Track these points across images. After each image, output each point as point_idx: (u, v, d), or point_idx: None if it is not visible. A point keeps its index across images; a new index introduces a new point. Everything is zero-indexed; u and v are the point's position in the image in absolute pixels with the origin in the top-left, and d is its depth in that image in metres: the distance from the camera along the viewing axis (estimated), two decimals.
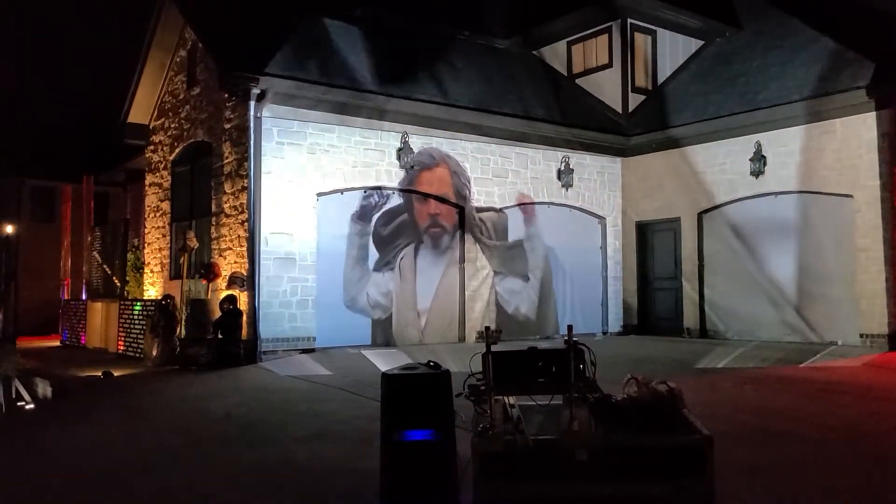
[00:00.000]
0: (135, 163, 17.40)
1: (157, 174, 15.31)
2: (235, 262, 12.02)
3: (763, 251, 13.76)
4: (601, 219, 15.98)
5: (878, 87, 12.09)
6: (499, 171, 14.44)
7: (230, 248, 12.21)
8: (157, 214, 15.16)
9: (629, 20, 16.20)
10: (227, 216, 12.33)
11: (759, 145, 13.73)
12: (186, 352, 11.83)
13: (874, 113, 12.23)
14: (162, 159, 15.12)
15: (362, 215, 12.97)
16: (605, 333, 15.63)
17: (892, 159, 12.09)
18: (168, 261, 14.52)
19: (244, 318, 11.58)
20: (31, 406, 8.21)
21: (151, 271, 15.15)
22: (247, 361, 11.16)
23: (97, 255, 16.94)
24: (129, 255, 15.78)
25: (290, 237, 12.05)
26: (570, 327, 4.54)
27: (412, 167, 13.35)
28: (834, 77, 12.88)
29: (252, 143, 11.74)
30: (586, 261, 15.71)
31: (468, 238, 14.04)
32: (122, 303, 14.45)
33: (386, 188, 13.15)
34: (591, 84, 16.65)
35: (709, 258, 14.68)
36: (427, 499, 4.24)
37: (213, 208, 12.79)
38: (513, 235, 14.71)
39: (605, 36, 16.44)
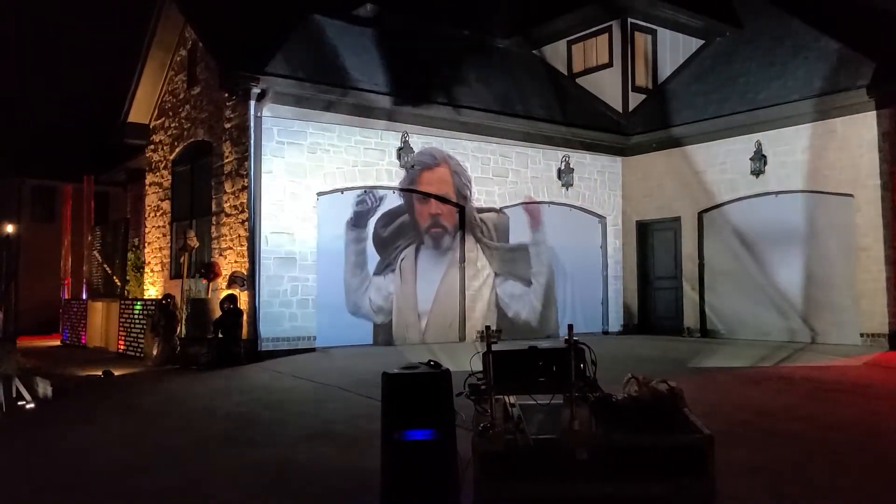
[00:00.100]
0: (135, 162, 17.41)
1: (158, 174, 15.31)
2: (236, 262, 12.02)
3: (763, 251, 13.75)
4: (601, 218, 15.98)
5: (878, 87, 12.09)
6: (499, 171, 14.44)
7: (230, 248, 12.22)
8: (158, 214, 15.16)
9: (629, 19, 16.19)
10: (228, 215, 12.33)
11: (760, 145, 13.72)
12: (187, 351, 11.84)
13: (874, 112, 12.22)
14: (162, 159, 15.13)
15: (357, 221, 12.87)
16: (605, 333, 15.63)
17: (892, 158, 12.08)
18: (168, 260, 14.52)
19: (244, 317, 11.58)
20: (32, 405, 8.21)
21: (152, 271, 15.15)
22: (247, 361, 11.16)
23: (97, 255, 16.94)
24: (130, 255, 15.80)
25: (290, 237, 12.05)
26: (570, 327, 4.54)
27: (412, 166, 13.34)
28: (834, 76, 12.88)
29: (252, 142, 11.74)
30: (586, 260, 15.70)
31: (469, 238, 14.03)
32: (122, 302, 14.46)
33: (380, 190, 13.03)
34: (592, 83, 16.64)
35: (709, 258, 14.68)
36: (427, 498, 4.24)
37: (214, 208, 12.79)
38: (515, 238, 14.68)
39: (606, 35, 16.43)
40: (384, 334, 13.06)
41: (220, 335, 11.37)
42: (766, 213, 13.72)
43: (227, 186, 12.38)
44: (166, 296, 12.79)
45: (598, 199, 15.86)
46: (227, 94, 12.30)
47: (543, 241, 15.04)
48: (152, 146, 15.55)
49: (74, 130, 21.51)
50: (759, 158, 13.72)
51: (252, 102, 11.73)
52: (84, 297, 17.22)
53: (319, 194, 12.42)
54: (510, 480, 4.07)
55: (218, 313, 11.66)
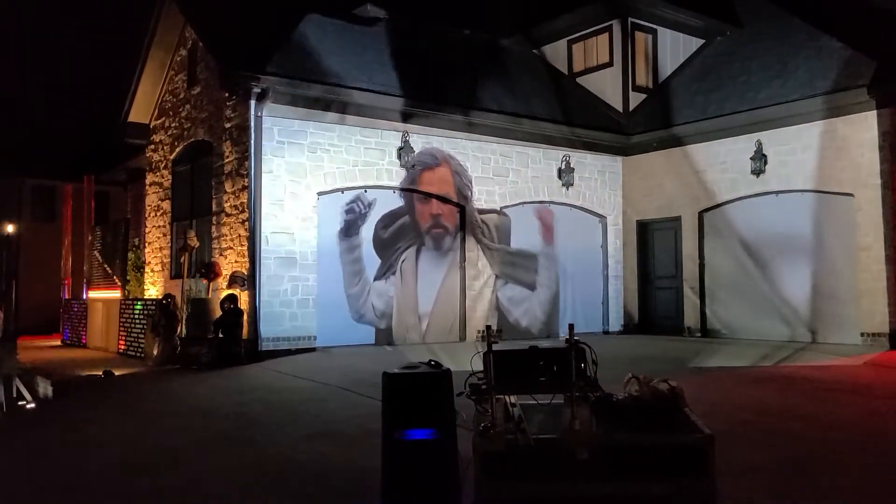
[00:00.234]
0: (135, 162, 17.42)
1: (158, 173, 15.31)
2: (236, 262, 12.02)
3: (764, 250, 13.75)
4: (602, 218, 15.97)
5: (878, 86, 12.08)
6: (499, 171, 14.43)
7: (231, 248, 12.22)
8: (158, 214, 15.17)
9: (630, 19, 16.19)
10: (228, 215, 12.33)
11: (760, 144, 13.72)
12: (187, 351, 11.84)
13: (875, 111, 12.22)
14: (162, 158, 15.13)
15: (348, 230, 12.72)
16: (605, 333, 15.62)
17: (892, 158, 12.08)
18: (169, 260, 14.52)
19: (245, 317, 11.58)
20: (32, 405, 8.21)
21: (152, 270, 15.15)
22: (248, 361, 11.16)
23: (98, 255, 16.95)
24: (130, 255, 15.81)
25: (290, 236, 12.05)
26: (571, 326, 4.53)
27: (413, 166, 13.33)
28: (835, 76, 12.88)
29: (253, 142, 11.74)
30: (587, 260, 15.70)
31: (470, 239, 14.02)
32: (122, 302, 14.46)
33: (372, 192, 12.90)
34: (592, 83, 16.64)
35: (709, 257, 14.67)
36: (428, 498, 4.24)
37: (214, 207, 12.79)
38: (519, 240, 14.64)
39: (606, 34, 16.43)
40: (385, 334, 13.05)
41: (221, 335, 11.38)
42: (767, 212, 13.72)
43: (228, 186, 12.38)
44: (167, 296, 12.79)
45: (598, 198, 15.85)
46: (227, 94, 12.30)
47: (553, 255, 15.03)
48: (152, 146, 15.56)
49: (75, 130, 21.52)
50: (760, 158, 13.72)
51: (252, 102, 11.72)
52: (84, 296, 17.21)
53: (320, 194, 12.42)
54: (511, 480, 4.07)
55: (218, 313, 11.66)
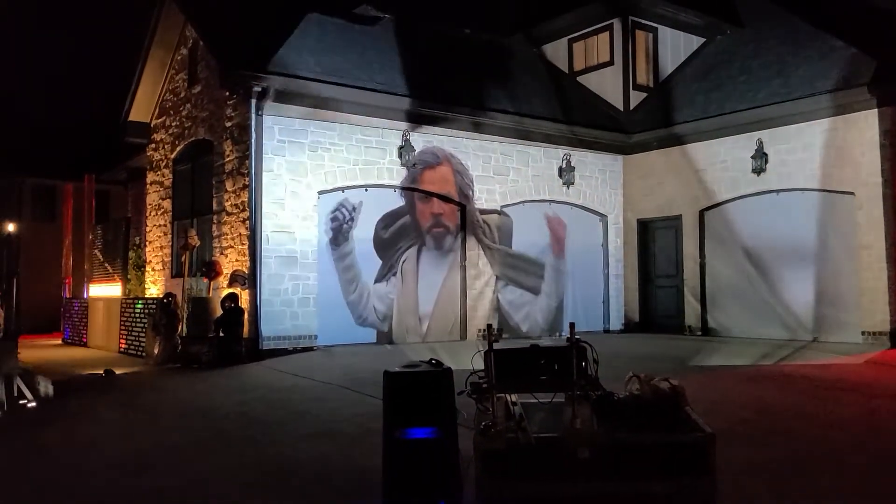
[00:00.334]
0: (136, 161, 17.43)
1: (159, 172, 15.31)
2: (237, 261, 12.02)
3: (764, 250, 13.73)
4: (603, 216, 15.97)
5: (879, 85, 12.07)
6: (500, 169, 14.43)
7: (231, 247, 12.22)
8: (159, 213, 15.17)
9: (630, 17, 16.18)
10: (229, 214, 12.33)
11: (761, 143, 13.71)
12: (188, 350, 11.84)
13: (876, 110, 12.21)
14: (163, 157, 15.13)
15: (335, 238, 12.60)
16: (606, 331, 15.61)
17: (893, 156, 12.07)
18: (169, 259, 14.53)
19: (246, 316, 11.58)
20: (33, 404, 8.21)
21: (153, 269, 15.16)
22: (248, 360, 11.17)
23: (99, 254, 16.95)
24: (131, 254, 15.82)
25: (291, 235, 12.05)
26: (572, 325, 4.53)
27: (414, 165, 13.32)
28: (835, 74, 12.87)
29: (253, 141, 11.74)
30: (588, 258, 15.69)
31: (470, 239, 14.00)
32: (123, 301, 14.46)
33: (352, 201, 12.75)
34: (593, 81, 16.63)
35: (710, 256, 14.67)
36: (429, 497, 4.23)
37: (215, 206, 12.79)
38: (521, 242, 14.62)
39: (607, 33, 16.42)
40: (386, 335, 13.04)
41: (222, 334, 11.38)
42: (768, 212, 13.71)
43: (228, 185, 12.38)
44: (167, 294, 12.79)
45: (599, 197, 15.85)
46: (227, 93, 12.30)
47: (564, 269, 15.03)
48: (153, 145, 15.56)
49: (75, 129, 21.50)
50: (761, 157, 13.71)
51: (253, 101, 11.72)
52: (85, 295, 17.22)
53: (320, 193, 12.41)
54: (512, 479, 4.07)
55: (219, 312, 11.66)
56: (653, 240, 15.80)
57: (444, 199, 13.78)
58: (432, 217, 13.66)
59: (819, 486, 4.83)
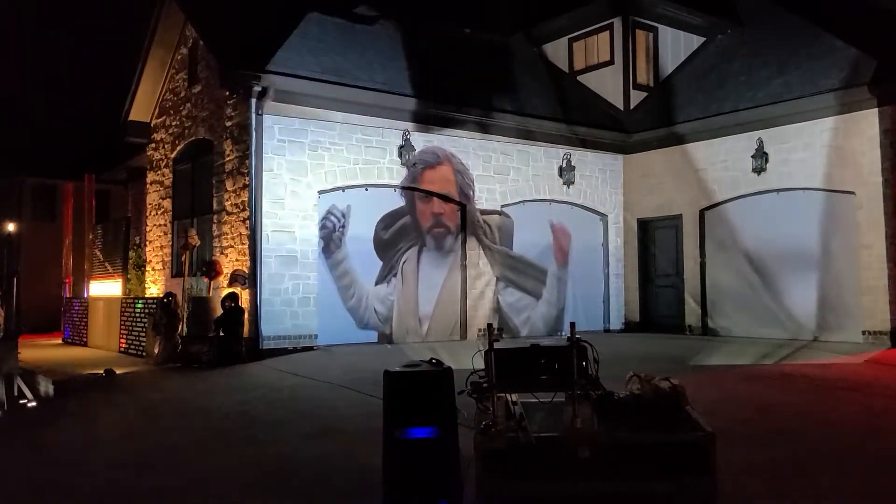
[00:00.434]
0: (136, 161, 17.42)
1: (159, 172, 15.31)
2: (237, 260, 12.02)
3: (764, 250, 13.73)
4: (603, 216, 15.96)
5: (879, 84, 12.07)
6: (500, 169, 14.42)
7: (232, 246, 12.22)
8: (159, 212, 15.17)
9: (631, 17, 16.18)
10: (229, 214, 12.33)
11: (761, 142, 13.71)
12: (188, 350, 11.83)
13: (876, 110, 12.21)
14: (163, 157, 15.13)
15: (327, 246, 12.54)
16: (606, 331, 15.61)
17: (894, 156, 12.07)
18: (170, 258, 14.53)
19: (246, 315, 11.58)
20: (33, 404, 8.21)
21: (153, 269, 15.16)
22: (249, 359, 11.16)
23: (99, 253, 16.95)
24: (131, 253, 15.82)
25: (291, 235, 12.05)
26: (572, 325, 4.53)
27: (414, 164, 13.31)
28: (836, 74, 12.87)
29: (253, 140, 11.74)
30: (588, 258, 15.69)
31: (471, 239, 13.99)
32: (123, 300, 14.46)
33: (340, 206, 12.67)
34: (593, 81, 16.62)
35: (710, 255, 14.66)
36: (429, 496, 4.23)
37: (215, 206, 12.79)
38: (520, 243, 14.60)
39: (607, 33, 16.42)
40: (387, 335, 13.03)
41: (222, 333, 11.38)
42: (768, 211, 13.71)
43: (229, 185, 12.38)
44: (168, 294, 12.78)
45: (599, 196, 15.84)
46: (227, 93, 12.30)
47: (566, 277, 15.01)
48: (153, 144, 15.56)
49: (75, 129, 21.49)
50: (761, 156, 13.70)
51: (253, 101, 11.72)
52: (85, 295, 17.22)
53: (321, 192, 12.41)
54: (512, 478, 4.07)
55: (219, 311, 11.65)
56: (653, 239, 15.80)
57: (445, 198, 13.78)
58: (433, 217, 13.65)
59: (819, 485, 4.82)
